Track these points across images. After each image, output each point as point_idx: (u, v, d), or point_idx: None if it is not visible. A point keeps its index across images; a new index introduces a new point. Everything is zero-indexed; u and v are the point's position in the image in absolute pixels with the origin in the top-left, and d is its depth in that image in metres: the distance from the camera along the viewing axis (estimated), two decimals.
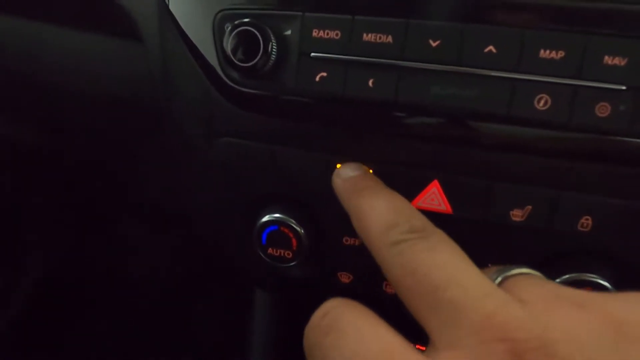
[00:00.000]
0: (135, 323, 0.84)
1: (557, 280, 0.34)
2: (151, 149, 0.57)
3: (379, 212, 0.28)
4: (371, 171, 0.35)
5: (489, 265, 0.36)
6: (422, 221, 0.27)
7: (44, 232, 0.83)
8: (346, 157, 0.36)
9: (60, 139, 0.66)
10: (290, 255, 0.39)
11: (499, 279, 0.24)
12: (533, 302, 0.21)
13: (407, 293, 0.23)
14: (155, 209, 0.79)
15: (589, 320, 0.20)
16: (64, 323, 0.84)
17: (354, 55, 0.32)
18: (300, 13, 0.33)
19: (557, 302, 0.21)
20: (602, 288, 0.33)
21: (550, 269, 0.34)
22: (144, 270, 0.87)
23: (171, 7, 0.39)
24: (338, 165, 0.35)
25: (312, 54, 0.33)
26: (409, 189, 0.35)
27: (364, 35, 0.32)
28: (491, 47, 0.30)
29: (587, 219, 0.33)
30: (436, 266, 0.23)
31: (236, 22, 0.34)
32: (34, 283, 0.82)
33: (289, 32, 0.34)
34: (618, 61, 0.29)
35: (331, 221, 0.39)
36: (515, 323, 0.20)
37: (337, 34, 0.32)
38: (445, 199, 0.35)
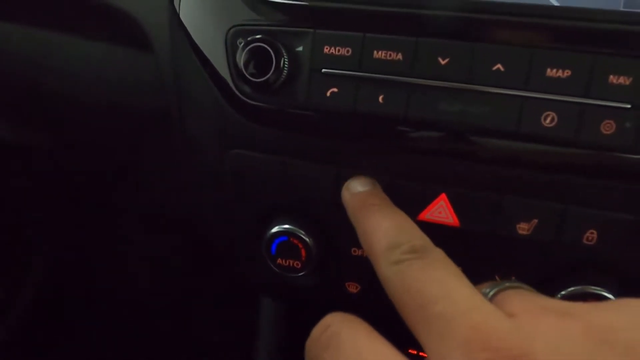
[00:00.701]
0: (136, 324, 0.84)
1: (562, 292, 0.34)
2: (161, 158, 0.58)
3: (383, 231, 0.29)
4: (379, 185, 0.36)
5: (496, 277, 0.37)
6: (423, 240, 0.28)
7: (47, 235, 0.84)
8: (356, 170, 0.36)
9: (66, 145, 0.67)
10: (300, 265, 0.40)
11: (491, 293, 0.24)
12: (519, 314, 0.22)
13: (403, 309, 0.24)
14: (164, 217, 0.79)
15: (571, 328, 0.20)
16: (65, 324, 0.84)
17: (365, 72, 0.33)
18: (311, 30, 0.34)
19: (542, 313, 0.22)
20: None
21: (556, 282, 0.35)
22: (146, 272, 0.87)
23: (183, 20, 0.40)
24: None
25: (324, 70, 0.34)
26: (417, 202, 0.36)
27: (375, 52, 0.33)
28: (499, 66, 0.31)
29: (592, 233, 0.33)
30: (430, 282, 0.24)
31: (249, 39, 0.34)
32: (36, 285, 0.83)
33: (300, 49, 0.34)
34: (623, 80, 0.29)
35: (340, 232, 0.39)
36: (499, 334, 0.21)
37: (348, 51, 0.33)
38: (452, 212, 0.35)
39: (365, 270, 0.40)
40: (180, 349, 0.84)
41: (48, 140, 0.67)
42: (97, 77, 0.52)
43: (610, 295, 0.34)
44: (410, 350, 0.70)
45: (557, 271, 0.35)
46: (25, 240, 0.82)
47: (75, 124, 0.59)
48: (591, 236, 0.33)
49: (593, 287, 0.34)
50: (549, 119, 0.31)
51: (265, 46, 0.34)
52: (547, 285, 0.35)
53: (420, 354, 0.67)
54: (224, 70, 0.37)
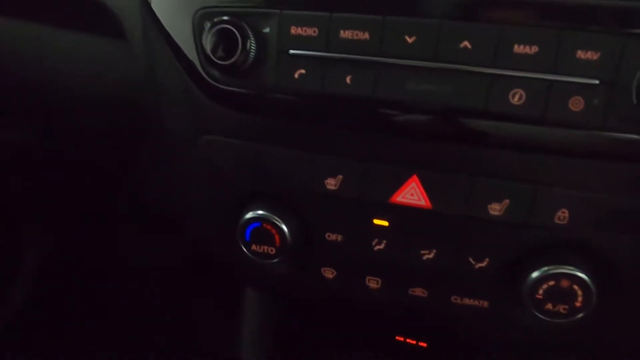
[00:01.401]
0: (130, 317, 0.84)
1: (536, 272, 0.34)
2: (140, 148, 0.57)
3: None
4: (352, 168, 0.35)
5: (469, 259, 0.37)
6: None
7: (41, 230, 0.84)
8: (327, 155, 0.36)
9: (51, 138, 0.66)
10: (274, 251, 0.39)
11: None
12: None
13: None
14: (145, 209, 0.79)
15: None
16: (61, 320, 0.84)
17: (332, 52, 0.32)
18: (278, 11, 0.33)
19: None
20: (581, 281, 0.34)
21: (529, 262, 0.35)
22: (136, 266, 0.87)
23: (153, 5, 0.39)
24: None
25: (291, 52, 0.33)
26: (390, 184, 0.35)
27: (342, 32, 0.32)
28: (466, 43, 0.30)
29: (563, 212, 0.33)
30: None
31: (215, 20, 0.34)
32: (31, 281, 0.83)
33: (267, 30, 0.34)
34: (591, 55, 0.29)
35: (314, 217, 0.39)
36: None
37: (314, 31, 0.33)
38: (424, 194, 0.35)
39: (341, 256, 0.40)
40: (176, 343, 0.84)
41: (34, 135, 0.66)
42: (73, 67, 0.51)
43: (583, 275, 0.34)
44: (397, 338, 0.69)
45: (530, 252, 0.35)
46: (19, 235, 0.82)
47: (59, 117, 0.59)
48: (562, 215, 0.33)
49: (566, 267, 0.34)
50: (517, 97, 0.30)
51: (231, 28, 0.33)
52: (521, 266, 0.35)
53: (407, 340, 0.67)
54: (192, 54, 0.37)
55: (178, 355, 0.79)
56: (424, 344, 0.64)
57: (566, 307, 0.34)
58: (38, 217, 0.84)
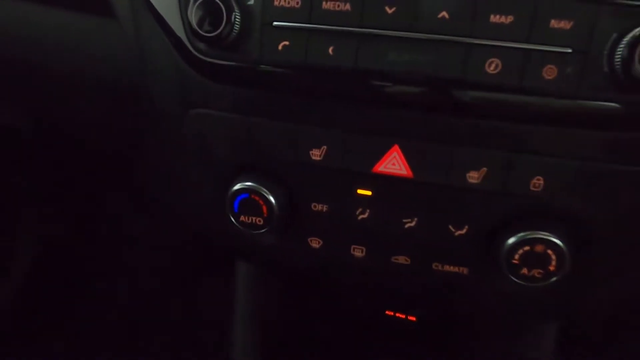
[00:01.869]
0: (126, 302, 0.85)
1: (512, 238, 0.35)
2: (134, 131, 0.58)
3: None
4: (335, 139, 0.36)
5: (449, 227, 0.38)
6: None
7: (36, 213, 0.84)
8: (311, 126, 0.37)
9: (42, 123, 0.67)
10: (261, 222, 0.40)
11: None
12: None
13: None
14: (140, 190, 0.80)
15: None
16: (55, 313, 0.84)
17: (315, 24, 0.33)
18: None
19: None
20: (555, 246, 0.35)
21: (506, 229, 0.36)
22: (134, 259, 0.88)
23: None
24: None
25: (275, 23, 0.34)
26: (372, 154, 0.36)
27: (324, 3, 0.33)
28: (444, 13, 0.31)
29: (538, 180, 0.34)
30: None
31: None
32: (29, 265, 0.84)
33: (251, 2, 0.34)
34: (564, 24, 0.30)
35: (300, 188, 0.40)
36: None
37: (297, 3, 0.33)
38: (406, 163, 0.36)
39: (326, 225, 0.41)
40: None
41: (26, 116, 0.67)
42: (63, 47, 0.52)
43: (558, 241, 0.35)
44: (387, 312, 0.71)
45: (507, 219, 0.36)
46: (15, 220, 0.82)
47: (43, 100, 0.59)
48: (538, 183, 0.34)
49: (541, 232, 0.35)
50: (493, 66, 0.31)
51: (216, 0, 0.34)
52: (498, 233, 0.37)
53: (397, 314, 0.68)
54: (178, 28, 0.37)
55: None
56: (413, 318, 0.66)
57: (541, 271, 0.35)
58: (32, 207, 0.84)
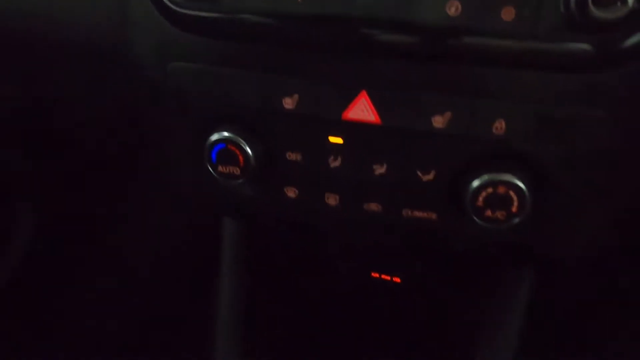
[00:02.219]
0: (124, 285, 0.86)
1: (476, 181, 0.37)
2: (121, 101, 0.59)
3: None
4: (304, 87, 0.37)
5: (417, 172, 0.39)
6: None
7: (31, 207, 0.85)
8: (284, 74, 0.38)
9: (32, 94, 0.67)
10: (238, 171, 0.42)
11: None
12: None
13: None
14: (130, 159, 0.81)
15: None
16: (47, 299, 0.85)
17: None
18: None
19: None
20: (517, 188, 0.36)
21: (470, 172, 0.37)
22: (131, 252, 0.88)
23: None
24: None
25: None
26: (341, 101, 0.38)
27: None
28: None
29: (500, 123, 0.35)
30: None
31: None
32: (19, 259, 0.84)
33: None
34: None
35: (274, 138, 0.41)
36: None
37: None
38: (373, 109, 0.37)
39: (301, 174, 0.43)
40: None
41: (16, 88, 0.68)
42: (47, 13, 0.52)
43: (520, 183, 0.36)
44: (372, 274, 0.73)
45: (471, 163, 0.37)
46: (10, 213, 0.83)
47: (31, 69, 0.60)
48: (499, 126, 0.35)
49: (503, 175, 0.36)
50: (453, 9, 0.32)
51: None
52: (463, 177, 0.38)
53: (382, 276, 0.70)
54: None
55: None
56: (397, 280, 0.68)
57: (503, 212, 0.37)
58: (28, 190, 0.84)
